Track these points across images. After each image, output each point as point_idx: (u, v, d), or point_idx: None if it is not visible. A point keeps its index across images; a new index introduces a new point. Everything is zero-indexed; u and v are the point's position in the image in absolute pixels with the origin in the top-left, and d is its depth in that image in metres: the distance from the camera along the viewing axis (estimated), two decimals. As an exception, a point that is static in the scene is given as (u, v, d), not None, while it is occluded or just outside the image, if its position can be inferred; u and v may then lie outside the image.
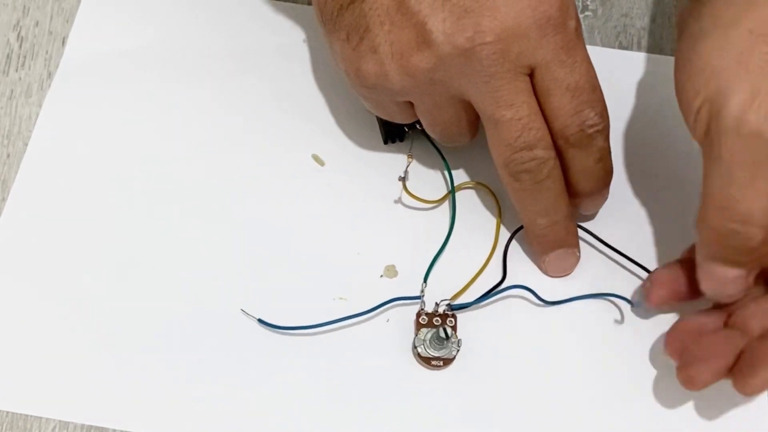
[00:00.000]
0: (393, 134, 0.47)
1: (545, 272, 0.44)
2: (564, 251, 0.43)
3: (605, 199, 0.44)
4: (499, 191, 0.45)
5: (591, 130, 0.40)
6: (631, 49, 0.50)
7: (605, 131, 0.41)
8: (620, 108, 0.48)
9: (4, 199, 0.45)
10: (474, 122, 0.43)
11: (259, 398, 0.41)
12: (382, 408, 0.41)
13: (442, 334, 0.41)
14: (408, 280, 0.43)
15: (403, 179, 0.44)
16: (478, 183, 0.46)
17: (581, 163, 0.41)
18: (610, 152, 0.42)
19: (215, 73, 0.49)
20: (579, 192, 0.42)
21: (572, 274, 0.44)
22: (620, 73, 0.49)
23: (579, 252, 0.44)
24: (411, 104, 0.42)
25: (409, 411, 0.41)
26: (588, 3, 0.51)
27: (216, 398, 0.41)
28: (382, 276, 0.44)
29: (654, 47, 0.51)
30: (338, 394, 0.41)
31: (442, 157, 0.45)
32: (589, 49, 0.41)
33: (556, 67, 0.39)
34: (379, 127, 0.47)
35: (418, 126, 0.45)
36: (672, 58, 0.40)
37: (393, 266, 0.44)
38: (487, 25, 0.38)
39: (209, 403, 0.41)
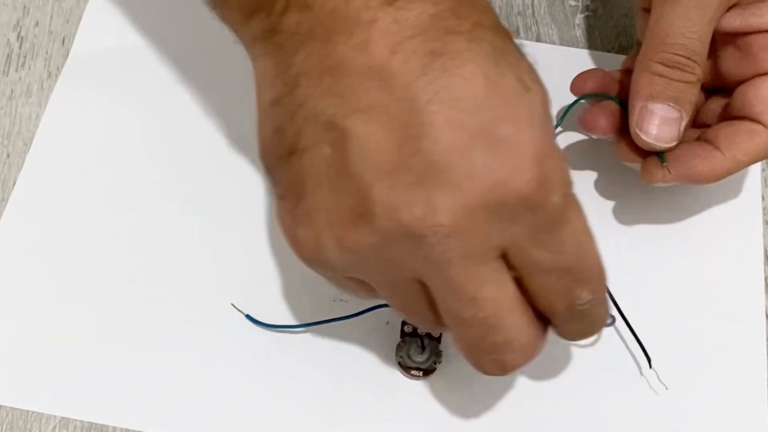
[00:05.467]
0: None
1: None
2: None
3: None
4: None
5: (583, 308, 0.33)
6: (632, 50, 0.50)
7: (601, 301, 0.34)
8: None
9: (4, 199, 0.45)
10: None
11: (248, 396, 0.41)
12: (358, 412, 0.41)
13: (420, 345, 0.41)
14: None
15: None
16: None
17: (570, 329, 0.35)
18: (606, 308, 0.35)
19: (219, 73, 0.48)
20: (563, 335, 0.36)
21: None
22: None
23: None
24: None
25: (385, 418, 0.41)
26: (588, 3, 0.51)
27: (211, 395, 0.41)
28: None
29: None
30: (317, 396, 0.41)
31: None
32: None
33: (534, 250, 0.31)
34: None
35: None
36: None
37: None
38: (444, 202, 0.29)
39: (205, 399, 0.41)
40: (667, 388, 0.42)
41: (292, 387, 0.41)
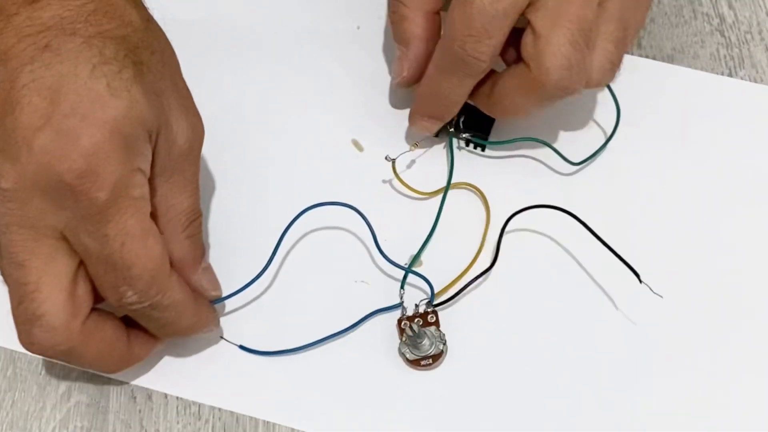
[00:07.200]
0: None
1: None
2: None
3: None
4: (490, 194, 0.45)
5: (132, 308, 0.37)
6: (631, 52, 0.50)
7: (164, 307, 0.37)
8: (628, 115, 0.47)
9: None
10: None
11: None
12: (382, 418, 0.41)
13: (410, 332, 0.41)
14: (432, 268, 0.44)
15: (392, 161, 0.44)
16: (468, 184, 0.46)
17: (145, 325, 0.39)
18: (178, 315, 0.38)
19: (264, 53, 0.49)
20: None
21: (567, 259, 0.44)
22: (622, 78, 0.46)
23: None
24: None
25: (411, 415, 0.41)
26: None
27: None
28: (406, 263, 0.44)
29: (655, 48, 0.50)
30: (338, 407, 0.42)
31: (452, 153, 0.46)
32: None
33: (83, 237, 0.35)
34: None
35: (449, 128, 0.46)
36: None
37: (418, 254, 0.44)
38: (7, 171, 0.34)
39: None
40: (662, 297, 0.42)
41: (305, 404, 0.42)
